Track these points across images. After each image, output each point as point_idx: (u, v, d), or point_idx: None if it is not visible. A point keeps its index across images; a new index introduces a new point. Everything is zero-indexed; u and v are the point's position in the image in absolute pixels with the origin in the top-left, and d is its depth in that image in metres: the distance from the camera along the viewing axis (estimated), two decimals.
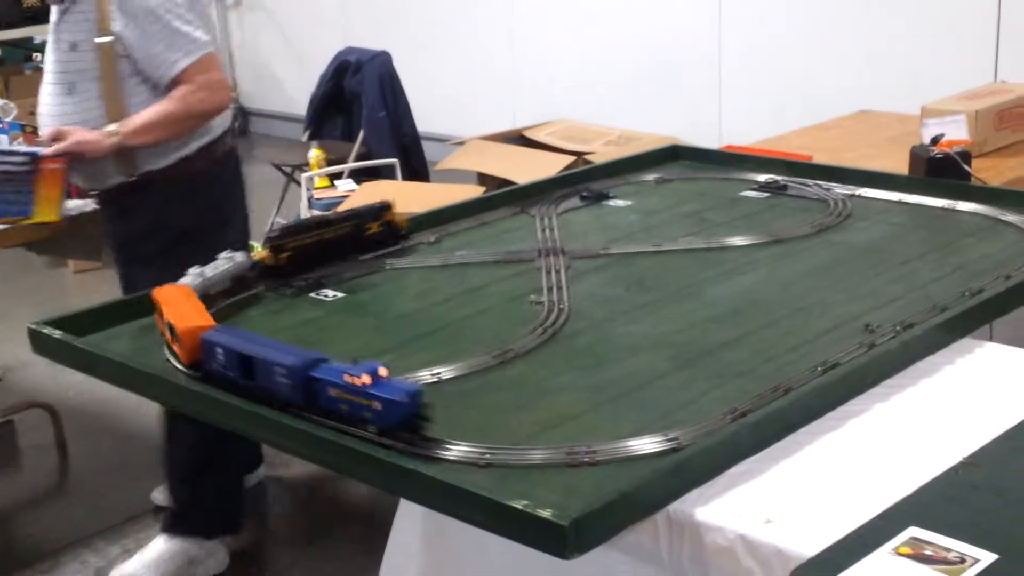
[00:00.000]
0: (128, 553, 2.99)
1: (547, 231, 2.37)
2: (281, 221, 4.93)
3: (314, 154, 4.79)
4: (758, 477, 1.46)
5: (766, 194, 2.55)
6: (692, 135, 2.77)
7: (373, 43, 5.32)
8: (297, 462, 3.30)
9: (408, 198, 4.19)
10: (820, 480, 1.45)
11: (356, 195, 4.32)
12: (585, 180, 2.72)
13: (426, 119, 5.36)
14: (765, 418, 1.52)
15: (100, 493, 3.38)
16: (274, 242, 2.13)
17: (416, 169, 5.00)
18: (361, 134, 4.94)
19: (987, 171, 2.70)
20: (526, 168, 4.44)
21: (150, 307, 1.92)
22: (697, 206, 2.51)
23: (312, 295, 2.11)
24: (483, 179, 4.76)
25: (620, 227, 2.40)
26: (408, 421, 1.50)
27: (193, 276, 2.01)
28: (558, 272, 2.13)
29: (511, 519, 1.33)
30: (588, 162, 4.43)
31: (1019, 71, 3.87)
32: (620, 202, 2.57)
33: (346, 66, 5.18)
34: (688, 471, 1.44)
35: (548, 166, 4.37)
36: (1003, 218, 2.25)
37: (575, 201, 2.58)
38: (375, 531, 3.10)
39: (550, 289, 2.05)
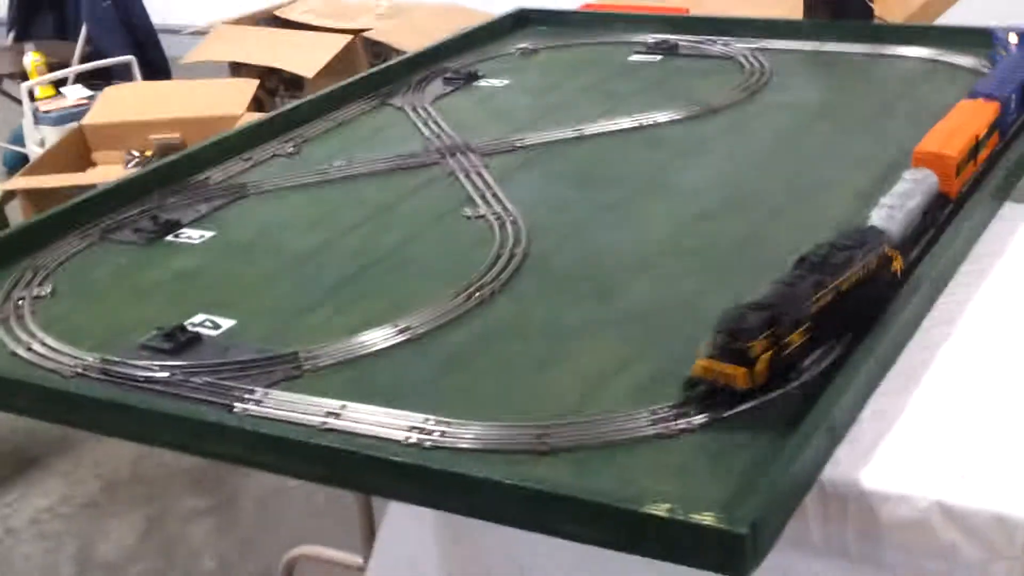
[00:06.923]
0: None
1: (430, 124, 1.95)
2: None
3: (31, 59, 4.04)
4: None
5: (658, 56, 2.22)
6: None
7: None
8: None
9: (169, 102, 3.58)
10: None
11: (99, 103, 3.66)
12: (433, 61, 2.29)
13: (159, 7, 4.66)
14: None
15: None
16: None
17: (156, 66, 4.34)
18: (84, 30, 4.21)
19: (888, 5, 2.46)
20: (294, 54, 3.91)
21: None
22: (591, 79, 2.14)
23: (170, 239, 1.62)
24: (238, 70, 4.19)
25: (515, 112, 2.01)
26: None
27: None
28: (479, 174, 1.73)
29: (642, 531, 0.97)
30: (369, 40, 3.96)
31: None
32: (495, 81, 2.17)
33: None
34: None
35: (322, 48, 3.86)
36: (944, 59, 2.02)
37: (439, 85, 2.16)
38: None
39: (483, 198, 1.65)
